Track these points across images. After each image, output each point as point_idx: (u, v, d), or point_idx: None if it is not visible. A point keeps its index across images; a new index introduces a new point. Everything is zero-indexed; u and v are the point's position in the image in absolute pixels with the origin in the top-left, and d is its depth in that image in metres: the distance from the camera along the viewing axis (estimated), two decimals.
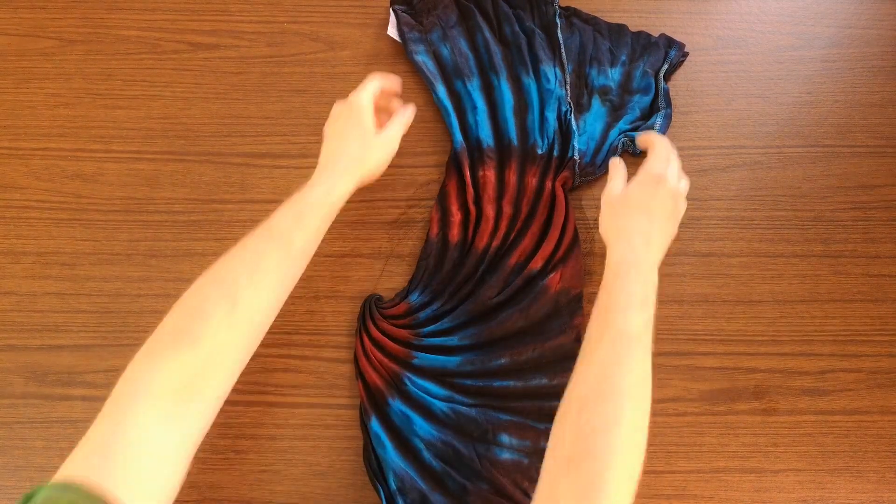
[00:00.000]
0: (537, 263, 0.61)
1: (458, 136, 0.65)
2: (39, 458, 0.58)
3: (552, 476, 0.42)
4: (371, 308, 0.61)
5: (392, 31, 0.69)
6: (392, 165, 0.65)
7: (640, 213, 0.53)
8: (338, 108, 0.58)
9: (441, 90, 0.67)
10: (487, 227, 0.63)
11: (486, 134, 0.65)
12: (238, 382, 0.60)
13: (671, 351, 0.61)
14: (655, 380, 0.59)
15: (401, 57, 0.69)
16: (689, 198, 0.65)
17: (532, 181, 0.64)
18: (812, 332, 0.61)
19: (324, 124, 0.67)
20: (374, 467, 0.56)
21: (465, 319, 0.60)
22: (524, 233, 0.62)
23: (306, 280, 0.62)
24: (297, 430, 0.59)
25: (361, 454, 0.58)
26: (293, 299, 0.62)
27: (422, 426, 0.57)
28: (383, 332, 0.60)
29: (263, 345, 0.61)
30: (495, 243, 0.62)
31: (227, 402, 0.59)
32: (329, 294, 0.62)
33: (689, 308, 0.62)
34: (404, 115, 0.60)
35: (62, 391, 0.60)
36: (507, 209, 0.63)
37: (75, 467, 0.38)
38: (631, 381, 0.45)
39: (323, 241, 0.63)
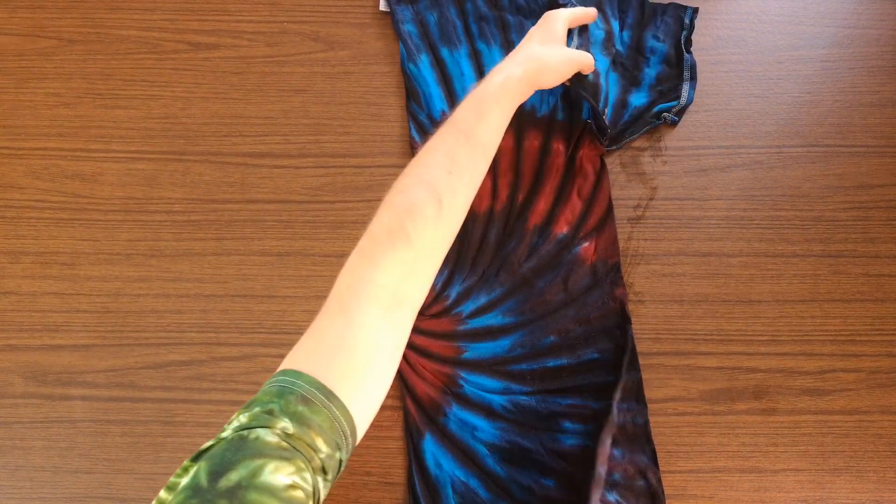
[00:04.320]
0: (562, 228, 0.62)
1: (440, 105, 0.65)
2: (39, 458, 0.58)
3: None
4: None
5: (383, 6, 0.69)
6: (391, 165, 0.65)
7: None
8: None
9: (424, 59, 0.67)
10: (484, 191, 0.63)
11: None
12: (238, 382, 0.60)
13: (671, 351, 0.61)
14: (655, 379, 0.60)
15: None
16: (690, 197, 0.65)
17: (534, 143, 0.64)
18: (812, 332, 0.61)
19: (324, 124, 0.67)
20: (425, 495, 0.56)
21: (501, 292, 0.61)
22: (536, 194, 0.63)
23: (306, 280, 0.63)
24: None
25: (360, 454, 0.58)
26: (292, 299, 0.62)
27: (484, 429, 0.57)
28: (425, 333, 0.60)
29: (263, 344, 0.61)
30: (499, 206, 0.63)
31: (227, 403, 0.60)
32: (329, 294, 0.62)
33: (689, 308, 0.62)
34: (589, 57, 0.61)
35: (62, 391, 0.60)
36: (507, 172, 0.64)
37: (301, 358, 0.40)
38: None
39: (322, 240, 0.64)
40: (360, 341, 0.41)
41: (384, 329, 0.42)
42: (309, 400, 0.37)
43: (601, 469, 0.53)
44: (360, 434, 0.41)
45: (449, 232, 0.48)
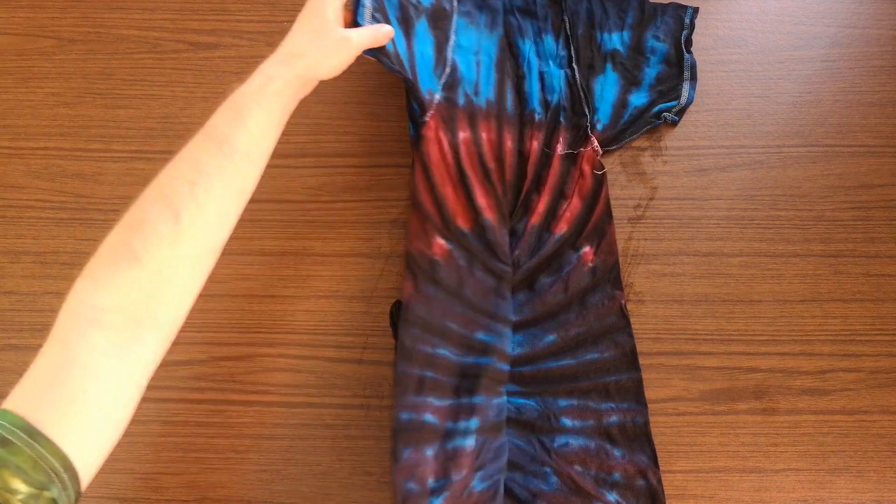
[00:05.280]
0: (562, 228, 0.62)
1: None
2: None
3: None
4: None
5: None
6: (391, 165, 0.65)
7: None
8: None
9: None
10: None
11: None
12: (238, 382, 0.60)
13: (671, 351, 0.61)
14: (655, 379, 0.60)
15: None
16: (690, 197, 0.65)
17: (534, 143, 0.64)
18: (812, 332, 0.61)
19: (324, 124, 0.67)
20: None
21: None
22: (536, 194, 0.63)
23: (306, 280, 0.63)
24: (296, 430, 0.59)
25: (360, 454, 0.58)
26: (292, 299, 0.62)
27: None
28: None
29: (263, 344, 0.61)
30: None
31: (227, 402, 0.60)
32: (329, 294, 0.62)
33: (689, 308, 0.62)
34: (380, 30, 0.53)
35: None
36: (507, 172, 0.63)
37: (14, 397, 0.37)
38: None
39: (322, 240, 0.64)
40: (78, 371, 0.38)
41: (113, 355, 0.39)
42: (8, 441, 0.35)
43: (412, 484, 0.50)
44: (91, 467, 0.38)
45: (195, 248, 0.44)
